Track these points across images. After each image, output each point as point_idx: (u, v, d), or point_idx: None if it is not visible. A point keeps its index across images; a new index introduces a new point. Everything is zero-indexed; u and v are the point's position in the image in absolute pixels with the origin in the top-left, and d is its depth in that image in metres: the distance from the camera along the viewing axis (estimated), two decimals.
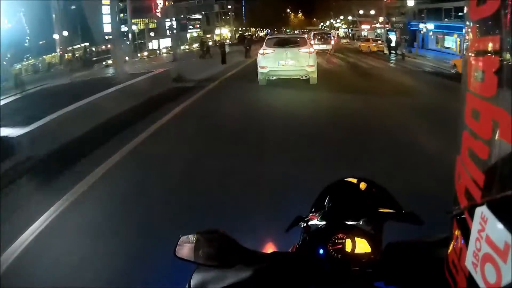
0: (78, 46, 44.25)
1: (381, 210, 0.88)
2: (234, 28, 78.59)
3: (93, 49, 46.83)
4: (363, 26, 51.75)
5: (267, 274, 0.83)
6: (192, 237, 0.86)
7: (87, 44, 46.15)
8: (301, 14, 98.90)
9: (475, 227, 0.50)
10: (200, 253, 0.83)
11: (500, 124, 0.48)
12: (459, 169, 0.59)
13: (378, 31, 45.95)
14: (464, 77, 0.58)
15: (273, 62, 11.00)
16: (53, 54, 41.42)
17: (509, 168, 0.47)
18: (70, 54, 40.40)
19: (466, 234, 0.53)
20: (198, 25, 67.05)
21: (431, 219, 0.87)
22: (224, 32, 73.59)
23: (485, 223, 0.48)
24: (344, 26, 68.68)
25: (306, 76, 11.06)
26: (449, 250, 0.61)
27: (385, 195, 0.94)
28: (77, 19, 42.44)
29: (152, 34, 54.52)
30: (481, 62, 0.54)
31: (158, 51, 48.13)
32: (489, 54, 0.51)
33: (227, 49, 22.66)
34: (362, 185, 0.95)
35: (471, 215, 0.51)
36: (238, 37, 61.33)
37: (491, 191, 0.49)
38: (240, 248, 0.85)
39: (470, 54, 0.56)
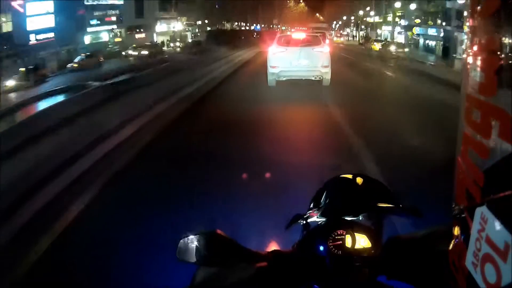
0: None
1: (380, 205, 0.89)
2: (194, 23, 46.48)
3: None
4: None
5: (268, 273, 0.83)
6: (192, 239, 0.87)
7: None
8: (303, 3, 70.50)
9: (475, 227, 0.50)
10: (201, 254, 0.84)
11: (500, 124, 0.48)
12: (459, 169, 0.59)
13: None
14: (464, 77, 0.58)
15: (284, 61, 10.13)
16: None
17: (509, 168, 0.47)
18: None
19: (466, 234, 0.53)
20: (113, 18, 34.99)
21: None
22: (178, 29, 43.71)
23: (485, 223, 0.48)
24: (390, 21, 40.83)
25: (320, 77, 10.25)
26: (449, 250, 0.61)
27: (381, 189, 0.94)
28: None
29: None
30: (481, 62, 0.53)
31: None
32: (489, 54, 0.51)
33: None
34: (359, 180, 0.95)
35: (471, 215, 0.51)
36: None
37: (491, 191, 0.49)
38: (241, 248, 0.85)
39: (470, 54, 0.56)
